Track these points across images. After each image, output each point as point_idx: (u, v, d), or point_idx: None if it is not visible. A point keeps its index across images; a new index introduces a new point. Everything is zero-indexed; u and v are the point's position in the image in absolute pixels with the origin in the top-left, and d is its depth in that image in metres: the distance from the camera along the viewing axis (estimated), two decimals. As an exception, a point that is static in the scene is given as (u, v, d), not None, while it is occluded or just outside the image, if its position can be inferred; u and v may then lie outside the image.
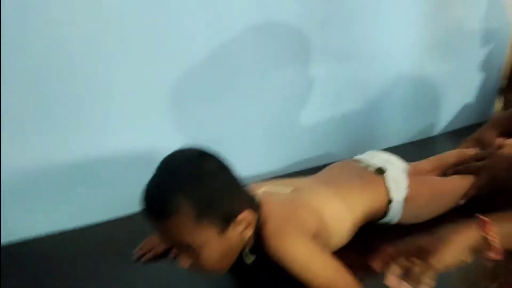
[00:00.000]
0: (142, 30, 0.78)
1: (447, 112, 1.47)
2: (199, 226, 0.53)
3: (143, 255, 0.74)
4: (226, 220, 0.55)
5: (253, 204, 0.60)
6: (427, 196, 0.79)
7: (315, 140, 1.13)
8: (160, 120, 0.88)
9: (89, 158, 0.82)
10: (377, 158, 0.82)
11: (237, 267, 0.62)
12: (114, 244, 0.79)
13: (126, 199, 0.72)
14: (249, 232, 0.58)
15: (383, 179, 0.76)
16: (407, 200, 0.75)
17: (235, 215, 0.56)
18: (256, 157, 1.04)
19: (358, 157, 0.85)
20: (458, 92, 1.48)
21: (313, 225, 0.63)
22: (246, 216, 0.57)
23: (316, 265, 0.57)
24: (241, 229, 0.57)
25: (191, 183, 0.53)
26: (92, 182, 0.84)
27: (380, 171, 0.77)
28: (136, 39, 0.78)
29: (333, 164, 0.85)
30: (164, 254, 0.74)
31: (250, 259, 0.62)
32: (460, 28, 1.33)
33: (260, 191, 0.65)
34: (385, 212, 0.75)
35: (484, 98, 1.58)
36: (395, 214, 0.75)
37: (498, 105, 1.64)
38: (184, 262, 0.56)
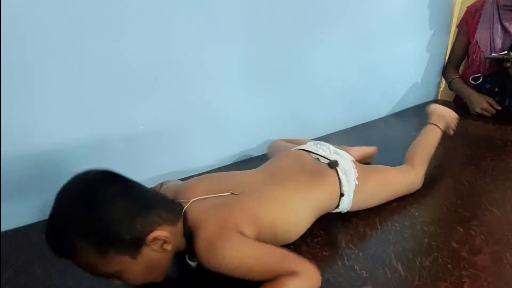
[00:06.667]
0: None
1: (395, 94, 1.53)
2: (105, 258, 0.51)
3: None
4: (134, 244, 0.53)
5: (170, 218, 0.57)
6: (374, 186, 0.80)
7: (256, 129, 1.13)
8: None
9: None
10: (325, 149, 0.82)
11: (184, 270, 0.62)
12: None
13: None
14: (168, 246, 0.56)
15: (336, 172, 0.75)
16: (356, 191, 0.76)
17: (144, 237, 0.53)
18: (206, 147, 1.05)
19: (304, 147, 0.84)
20: (405, 74, 1.53)
21: (250, 226, 0.60)
22: (157, 234, 0.54)
23: (250, 261, 0.55)
24: (157, 247, 0.55)
25: (82, 220, 0.50)
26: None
27: (333, 165, 0.76)
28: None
29: (282, 154, 0.83)
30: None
31: (193, 263, 0.61)
32: (405, 13, 1.36)
33: (192, 199, 0.62)
34: (337, 205, 0.75)
35: (429, 79, 1.65)
36: (345, 206, 0.75)
37: (443, 85, 1.73)
38: (113, 283, 0.56)
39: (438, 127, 0.97)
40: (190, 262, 0.61)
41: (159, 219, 0.55)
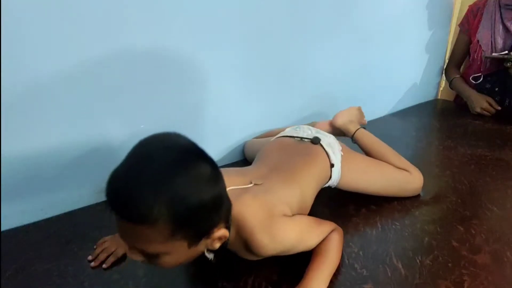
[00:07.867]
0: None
1: (395, 94, 1.53)
2: (170, 239, 0.46)
3: (102, 263, 0.69)
4: (200, 235, 0.49)
5: (228, 213, 0.54)
6: (362, 163, 0.84)
7: (256, 129, 1.13)
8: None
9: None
10: (305, 130, 0.87)
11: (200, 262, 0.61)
12: (104, 227, 0.79)
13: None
14: (218, 245, 0.53)
15: (321, 146, 0.81)
16: (343, 163, 0.80)
17: (211, 231, 0.50)
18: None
19: (284, 133, 0.89)
20: (405, 74, 1.53)
21: (287, 210, 0.64)
22: (221, 233, 0.51)
23: (305, 233, 0.63)
24: (210, 242, 0.52)
25: (180, 190, 0.44)
26: (81, 172, 0.87)
27: (316, 140, 0.82)
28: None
29: (268, 148, 0.84)
30: (125, 256, 0.69)
31: (211, 255, 0.59)
32: (406, 12, 1.37)
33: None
34: (329, 177, 0.79)
35: (429, 78, 1.66)
36: (335, 178, 0.80)
37: (443, 84, 1.73)
38: (135, 258, 0.50)
39: (358, 128, 0.94)
40: (208, 255, 0.59)
41: (224, 214, 0.52)
